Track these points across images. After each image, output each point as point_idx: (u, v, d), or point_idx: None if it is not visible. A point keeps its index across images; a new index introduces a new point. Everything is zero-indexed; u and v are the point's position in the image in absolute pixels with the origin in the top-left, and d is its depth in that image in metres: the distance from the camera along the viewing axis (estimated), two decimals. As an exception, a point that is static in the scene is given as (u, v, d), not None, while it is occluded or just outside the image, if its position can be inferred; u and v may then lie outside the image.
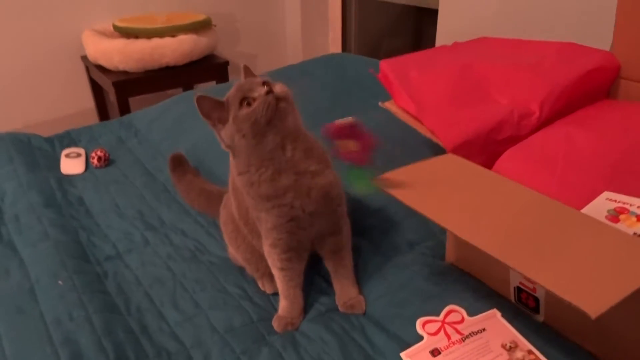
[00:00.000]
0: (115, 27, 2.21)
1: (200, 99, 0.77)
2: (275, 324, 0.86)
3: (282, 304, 0.88)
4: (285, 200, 0.80)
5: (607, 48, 1.15)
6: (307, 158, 0.80)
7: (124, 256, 1.05)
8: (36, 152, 1.44)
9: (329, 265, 0.91)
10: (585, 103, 1.11)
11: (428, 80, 1.11)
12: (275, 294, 0.92)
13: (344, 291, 0.89)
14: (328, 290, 0.93)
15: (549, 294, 0.73)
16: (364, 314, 0.87)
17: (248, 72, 0.85)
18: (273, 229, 0.83)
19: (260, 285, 0.96)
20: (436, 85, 1.10)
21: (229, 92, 0.80)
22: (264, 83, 0.77)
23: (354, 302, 0.88)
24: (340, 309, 0.88)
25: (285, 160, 0.78)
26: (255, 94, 0.76)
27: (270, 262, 0.89)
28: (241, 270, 1.00)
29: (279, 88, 0.77)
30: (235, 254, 0.99)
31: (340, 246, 0.90)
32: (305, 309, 0.90)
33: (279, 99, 0.75)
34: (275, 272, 0.89)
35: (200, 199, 1.18)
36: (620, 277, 0.60)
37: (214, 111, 0.79)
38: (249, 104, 0.76)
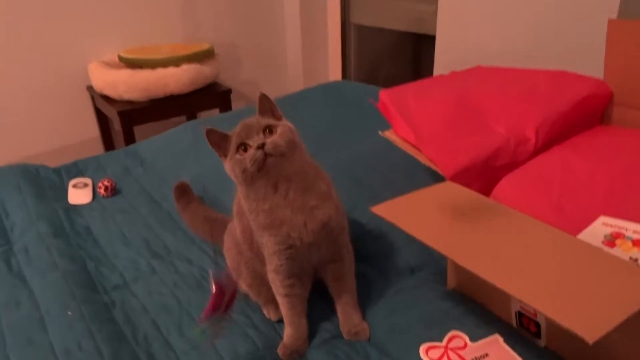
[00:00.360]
0: (121, 58, 2.27)
1: (209, 132, 0.82)
2: (280, 352, 0.88)
3: (287, 332, 0.90)
4: (281, 231, 0.83)
5: (599, 76, 1.19)
6: (304, 194, 0.82)
7: (130, 285, 1.07)
8: (44, 183, 1.47)
9: (332, 292, 0.92)
10: (580, 129, 1.14)
11: (426, 110, 1.14)
12: (280, 321, 0.93)
13: (348, 318, 0.90)
14: (332, 316, 0.94)
15: (550, 320, 0.75)
16: (368, 340, 0.88)
17: (263, 101, 0.86)
18: (274, 255, 0.86)
19: (265, 312, 0.97)
20: (434, 115, 1.13)
21: (235, 128, 0.83)
22: (265, 129, 0.80)
23: (358, 330, 0.89)
24: (345, 336, 0.90)
25: (279, 198, 0.81)
26: (251, 143, 0.79)
27: (274, 288, 0.91)
28: (246, 297, 1.01)
29: (276, 139, 0.79)
30: (238, 280, 1.00)
31: (342, 273, 0.91)
32: (310, 336, 0.91)
33: (268, 154, 0.78)
34: (279, 299, 0.90)
35: (205, 227, 1.20)
36: (617, 302, 0.62)
37: (221, 143, 0.83)
38: (244, 150, 0.80)
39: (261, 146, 0.78)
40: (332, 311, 0.94)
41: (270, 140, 0.79)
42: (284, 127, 0.82)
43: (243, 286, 1.00)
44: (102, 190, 1.41)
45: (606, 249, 0.76)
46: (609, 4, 1.38)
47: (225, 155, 0.83)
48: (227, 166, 0.83)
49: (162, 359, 0.87)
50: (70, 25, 2.29)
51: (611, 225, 0.83)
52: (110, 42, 2.40)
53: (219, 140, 0.83)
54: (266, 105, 0.85)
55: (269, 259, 0.88)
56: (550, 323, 0.77)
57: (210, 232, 1.19)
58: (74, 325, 0.91)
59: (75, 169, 1.58)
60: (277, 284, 0.89)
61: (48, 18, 2.23)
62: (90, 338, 0.88)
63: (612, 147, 1.04)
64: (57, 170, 1.56)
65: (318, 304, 0.97)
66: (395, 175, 1.23)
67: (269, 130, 0.81)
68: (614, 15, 1.37)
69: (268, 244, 0.85)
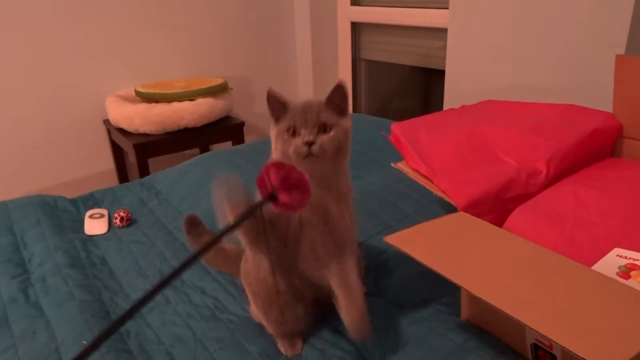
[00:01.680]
0: (137, 93, 2.33)
1: (270, 95, 0.82)
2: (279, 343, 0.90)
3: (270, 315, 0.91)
4: None
5: (608, 109, 1.21)
6: (322, 191, 0.83)
7: (145, 315, 1.08)
8: (61, 214, 1.50)
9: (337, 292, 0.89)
10: (591, 161, 1.15)
11: (438, 142, 1.16)
12: (297, 355, 0.93)
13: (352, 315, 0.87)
14: (346, 348, 0.94)
15: (566, 352, 0.75)
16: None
17: (336, 92, 0.83)
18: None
19: (280, 346, 0.97)
20: (446, 148, 1.15)
21: (295, 105, 0.82)
22: (321, 126, 0.80)
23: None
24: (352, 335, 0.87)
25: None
26: (302, 132, 0.80)
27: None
28: (260, 329, 1.01)
29: (326, 142, 0.80)
30: (255, 310, 1.01)
31: (346, 273, 0.86)
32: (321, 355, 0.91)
33: (312, 153, 0.79)
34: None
35: (218, 258, 1.21)
36: (633, 334, 0.62)
37: (277, 109, 0.83)
38: (293, 134, 0.81)
39: (309, 143, 0.79)
40: (341, 338, 0.94)
41: (319, 142, 0.79)
42: (338, 129, 0.82)
43: (260, 316, 1.00)
44: (117, 221, 1.43)
45: (621, 280, 0.77)
46: (617, 39, 1.41)
47: (276, 121, 0.83)
48: (273, 131, 0.83)
49: (176, 389, 0.88)
50: (88, 60, 2.37)
51: (625, 257, 0.83)
52: (127, 77, 2.48)
53: (276, 106, 0.83)
54: (337, 97, 0.83)
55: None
56: (567, 356, 0.77)
57: (223, 262, 1.20)
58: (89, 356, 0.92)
59: (92, 200, 1.61)
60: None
61: (67, 54, 2.32)
62: (106, 368, 0.89)
63: (623, 179, 1.05)
64: (74, 201, 1.59)
65: (323, 334, 0.97)
66: (407, 207, 1.24)
67: (324, 128, 0.81)
68: (623, 50, 1.40)
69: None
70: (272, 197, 0.65)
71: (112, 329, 0.44)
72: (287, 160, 0.80)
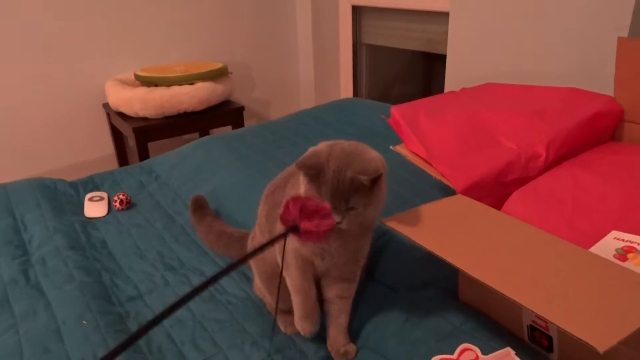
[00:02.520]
0: (137, 77, 2.32)
1: (303, 165, 0.79)
2: (299, 324, 0.89)
3: (296, 300, 0.90)
4: None
5: (610, 93, 1.20)
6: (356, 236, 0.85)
7: (145, 297, 1.09)
8: (61, 197, 1.50)
9: (331, 309, 0.92)
10: (591, 145, 1.15)
11: (437, 125, 1.16)
12: (297, 333, 0.94)
13: (339, 339, 0.91)
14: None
15: (562, 333, 0.75)
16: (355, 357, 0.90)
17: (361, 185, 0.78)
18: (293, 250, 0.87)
19: (280, 323, 0.98)
20: (445, 131, 1.15)
21: (327, 179, 0.77)
22: (348, 207, 0.78)
23: (347, 349, 0.90)
24: (334, 355, 0.90)
25: None
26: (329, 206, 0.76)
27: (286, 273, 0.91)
28: (259, 309, 1.02)
29: (352, 222, 0.79)
30: (259, 284, 1.02)
31: (349, 294, 0.92)
32: (320, 349, 0.92)
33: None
34: (290, 273, 0.90)
35: (220, 242, 1.21)
36: (628, 314, 0.62)
37: (310, 173, 0.79)
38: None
39: (338, 222, 0.78)
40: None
41: (347, 221, 0.78)
42: (368, 207, 0.79)
43: (263, 290, 1.02)
44: (117, 204, 1.44)
45: (618, 262, 0.77)
46: (621, 22, 1.40)
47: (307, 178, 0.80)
48: (303, 185, 0.80)
49: (175, 369, 0.89)
50: (88, 44, 2.36)
51: (623, 240, 0.83)
52: (127, 61, 2.46)
53: (310, 173, 0.79)
54: (374, 183, 0.78)
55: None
56: (563, 337, 0.77)
57: (225, 246, 1.20)
58: (89, 336, 0.93)
59: (92, 183, 1.61)
60: (291, 270, 0.90)
61: (66, 38, 2.30)
62: (106, 348, 0.90)
63: (623, 163, 1.04)
64: (73, 184, 1.59)
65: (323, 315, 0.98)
66: (406, 191, 1.24)
67: (352, 207, 0.78)
68: (626, 33, 1.39)
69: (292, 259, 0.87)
70: (294, 228, 0.66)
71: (137, 335, 0.44)
72: None
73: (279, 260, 0.90)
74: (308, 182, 0.80)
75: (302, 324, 0.89)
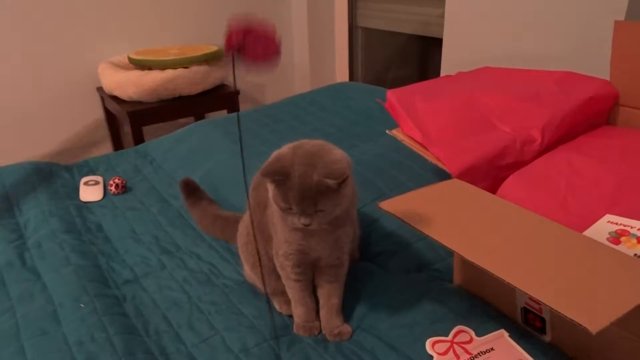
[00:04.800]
0: (130, 60, 2.30)
1: (265, 173, 0.80)
2: (300, 331, 0.91)
3: (298, 311, 0.93)
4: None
5: (605, 77, 1.20)
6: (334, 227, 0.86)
7: (141, 280, 1.09)
8: (57, 180, 1.49)
9: (322, 293, 0.93)
10: (586, 129, 1.15)
11: (433, 109, 1.16)
12: (291, 315, 0.95)
13: (332, 321, 0.92)
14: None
15: (555, 315, 0.76)
16: (350, 338, 0.91)
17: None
18: (285, 242, 0.88)
19: (275, 303, 0.99)
20: (441, 115, 1.15)
21: (293, 184, 0.78)
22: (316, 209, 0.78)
23: (341, 330, 0.91)
24: (329, 337, 0.91)
25: None
26: (297, 212, 0.78)
27: (283, 274, 0.93)
28: (254, 292, 1.03)
29: (322, 220, 0.80)
30: (249, 271, 1.02)
31: (337, 277, 0.93)
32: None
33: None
34: (289, 283, 0.92)
35: (215, 226, 1.22)
36: (620, 296, 0.63)
37: (275, 178, 0.80)
38: (290, 208, 0.79)
39: (307, 225, 0.79)
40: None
41: (316, 221, 0.79)
42: (335, 207, 0.80)
43: (251, 276, 1.02)
44: (112, 188, 1.43)
45: (611, 246, 0.78)
46: (617, 6, 1.39)
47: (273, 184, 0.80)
48: (270, 190, 0.82)
49: (172, 351, 0.89)
50: (81, 27, 2.33)
51: (616, 223, 0.84)
52: (120, 44, 2.44)
53: (275, 179, 0.80)
54: (341, 183, 0.79)
55: (279, 244, 0.90)
56: (556, 319, 0.79)
57: (220, 230, 1.21)
58: (86, 318, 0.93)
59: (87, 167, 1.61)
60: (287, 271, 0.91)
61: (59, 20, 2.27)
62: (103, 330, 0.90)
63: (617, 147, 1.05)
64: (69, 168, 1.58)
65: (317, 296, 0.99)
66: (401, 175, 1.25)
67: (319, 210, 0.78)
68: (623, 16, 1.38)
69: (284, 229, 0.87)
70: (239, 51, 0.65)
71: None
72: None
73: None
74: (274, 188, 0.80)
75: (302, 332, 0.92)
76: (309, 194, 0.77)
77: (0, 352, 0.87)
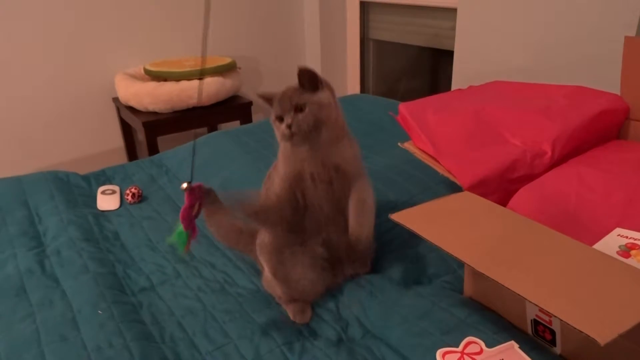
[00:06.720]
0: (146, 71, 2.34)
1: (259, 96, 0.98)
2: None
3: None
4: (298, 165, 0.95)
5: (616, 91, 1.21)
6: (329, 148, 0.95)
7: (157, 288, 1.11)
8: (74, 189, 1.53)
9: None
10: (596, 143, 1.16)
11: (445, 123, 1.18)
12: (305, 324, 0.97)
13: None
14: (350, 320, 0.97)
15: (565, 327, 0.77)
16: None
17: (302, 76, 0.93)
18: (280, 185, 0.96)
19: (290, 312, 1.00)
20: (452, 128, 1.16)
21: (276, 95, 0.94)
22: (296, 107, 0.91)
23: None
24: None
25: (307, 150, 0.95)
26: (284, 117, 0.92)
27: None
28: (267, 301, 1.05)
29: (300, 121, 0.91)
30: (270, 277, 1.04)
31: (363, 188, 0.97)
32: (327, 338, 0.94)
33: (294, 133, 0.91)
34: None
35: (231, 235, 1.23)
36: (629, 308, 0.64)
37: (269, 103, 0.97)
38: (280, 120, 0.94)
39: (289, 125, 0.90)
40: (350, 315, 0.97)
41: (295, 122, 0.90)
42: (312, 105, 0.91)
43: (270, 283, 1.05)
44: (129, 197, 1.46)
45: (621, 259, 0.78)
46: (628, 21, 1.41)
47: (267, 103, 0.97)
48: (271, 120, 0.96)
49: (187, 358, 0.91)
50: (98, 39, 2.39)
51: (626, 237, 0.85)
52: (136, 56, 2.49)
53: (268, 102, 0.96)
54: (305, 78, 0.92)
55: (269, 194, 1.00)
56: (566, 331, 0.79)
57: (236, 240, 1.22)
58: (104, 325, 0.95)
59: (104, 176, 1.64)
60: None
61: (77, 33, 2.33)
62: (120, 337, 0.93)
63: (628, 161, 1.06)
64: (86, 178, 1.62)
65: (329, 305, 1.01)
66: (413, 187, 1.26)
67: (299, 108, 0.91)
68: (634, 31, 1.39)
69: (280, 174, 0.97)
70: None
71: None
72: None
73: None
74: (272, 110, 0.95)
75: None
76: (288, 94, 0.92)
77: (21, 357, 0.90)
